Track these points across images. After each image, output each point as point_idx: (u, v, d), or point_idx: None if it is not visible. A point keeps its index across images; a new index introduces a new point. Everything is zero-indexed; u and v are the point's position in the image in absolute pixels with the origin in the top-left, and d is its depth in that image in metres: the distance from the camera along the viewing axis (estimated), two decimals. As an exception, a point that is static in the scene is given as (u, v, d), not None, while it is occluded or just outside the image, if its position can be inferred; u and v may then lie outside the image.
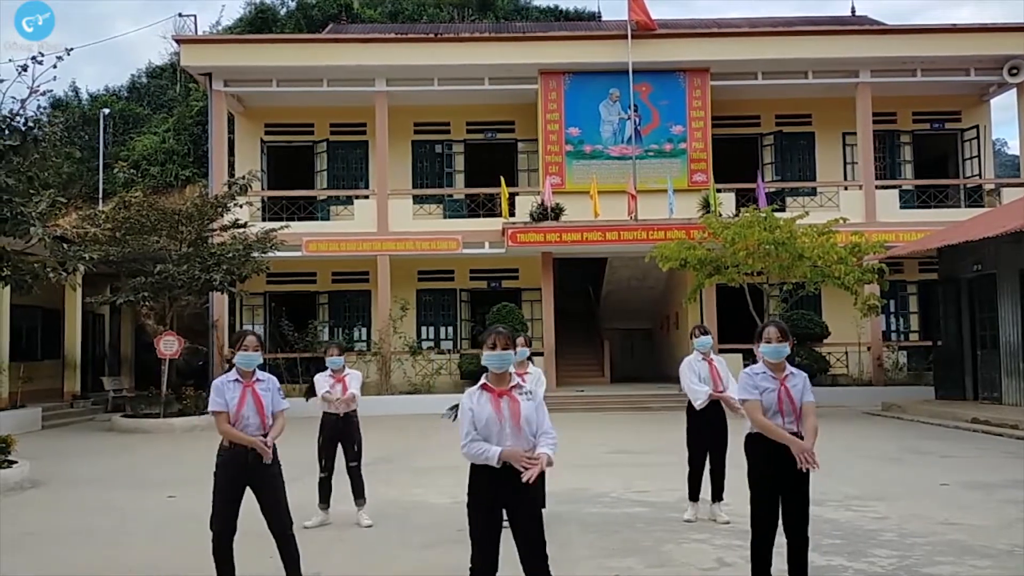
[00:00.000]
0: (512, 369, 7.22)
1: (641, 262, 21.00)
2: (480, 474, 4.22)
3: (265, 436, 5.26)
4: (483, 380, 4.35)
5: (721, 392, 7.44)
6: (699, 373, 7.55)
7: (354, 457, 7.77)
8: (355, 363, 22.10)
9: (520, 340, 7.55)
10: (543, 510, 7.40)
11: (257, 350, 5.37)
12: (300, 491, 7.76)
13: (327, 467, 7.71)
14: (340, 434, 7.74)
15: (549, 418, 4.42)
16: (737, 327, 20.66)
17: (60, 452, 13.96)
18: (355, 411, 7.83)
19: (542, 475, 4.27)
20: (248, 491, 5.28)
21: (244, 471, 5.21)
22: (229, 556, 5.21)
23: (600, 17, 37.55)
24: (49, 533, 7.81)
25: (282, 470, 5.42)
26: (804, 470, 4.84)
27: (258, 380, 5.35)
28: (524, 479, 4.05)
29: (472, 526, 4.25)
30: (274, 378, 5.52)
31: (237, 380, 5.31)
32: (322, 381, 7.77)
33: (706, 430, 7.61)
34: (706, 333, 7.67)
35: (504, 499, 4.20)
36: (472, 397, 4.30)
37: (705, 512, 7.69)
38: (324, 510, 7.70)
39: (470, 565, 4.25)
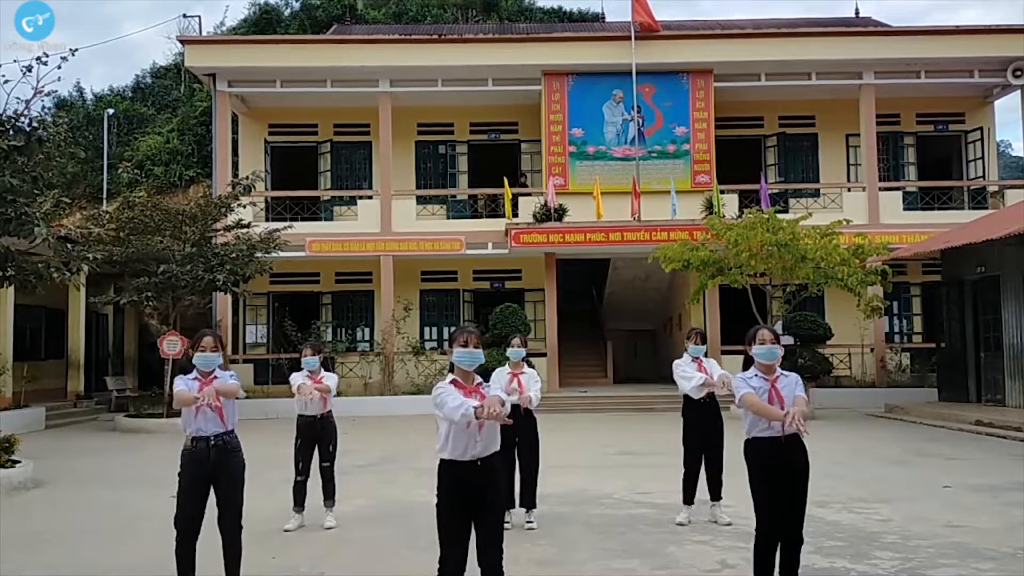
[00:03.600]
0: (508, 368, 7.32)
1: (644, 263, 21.01)
2: (448, 472, 4.32)
3: (221, 435, 5.32)
4: (452, 376, 4.41)
5: (712, 383, 7.45)
6: (692, 374, 7.60)
7: (328, 457, 7.76)
8: (358, 363, 22.22)
9: (516, 340, 7.55)
10: (534, 510, 7.51)
11: (216, 350, 5.42)
12: (288, 493, 7.80)
13: (303, 470, 7.69)
14: (317, 436, 7.71)
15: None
16: (740, 328, 20.62)
17: (63, 452, 14.00)
18: (331, 412, 7.80)
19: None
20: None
21: (206, 467, 5.28)
22: (191, 556, 5.26)
23: (604, 18, 37.53)
24: (53, 532, 7.82)
25: (245, 470, 5.45)
26: (798, 438, 4.93)
27: (215, 378, 5.39)
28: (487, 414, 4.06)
29: (441, 525, 4.32)
30: (234, 373, 5.60)
31: (197, 379, 5.38)
32: (297, 380, 7.71)
33: (702, 430, 7.63)
34: (703, 341, 7.74)
35: (471, 495, 4.27)
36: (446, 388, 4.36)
37: (704, 514, 7.68)
38: (299, 512, 7.67)
39: (438, 565, 4.30)
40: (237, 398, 5.46)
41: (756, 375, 5.13)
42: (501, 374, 7.30)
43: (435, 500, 4.39)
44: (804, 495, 5.06)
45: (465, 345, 4.38)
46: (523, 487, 7.56)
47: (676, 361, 7.79)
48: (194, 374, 5.41)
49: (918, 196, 24.20)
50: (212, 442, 5.29)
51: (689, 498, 7.67)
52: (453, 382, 4.39)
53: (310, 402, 7.57)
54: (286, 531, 7.48)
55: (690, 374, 7.54)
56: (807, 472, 5.08)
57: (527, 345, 7.66)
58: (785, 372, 5.18)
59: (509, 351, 7.48)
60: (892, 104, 23.65)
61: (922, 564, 6.17)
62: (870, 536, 7.05)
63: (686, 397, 7.70)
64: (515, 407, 7.08)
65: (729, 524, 7.35)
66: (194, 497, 5.28)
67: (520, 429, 7.25)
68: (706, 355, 7.85)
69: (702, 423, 7.61)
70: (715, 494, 7.62)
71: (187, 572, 5.26)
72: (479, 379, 4.47)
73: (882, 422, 17.01)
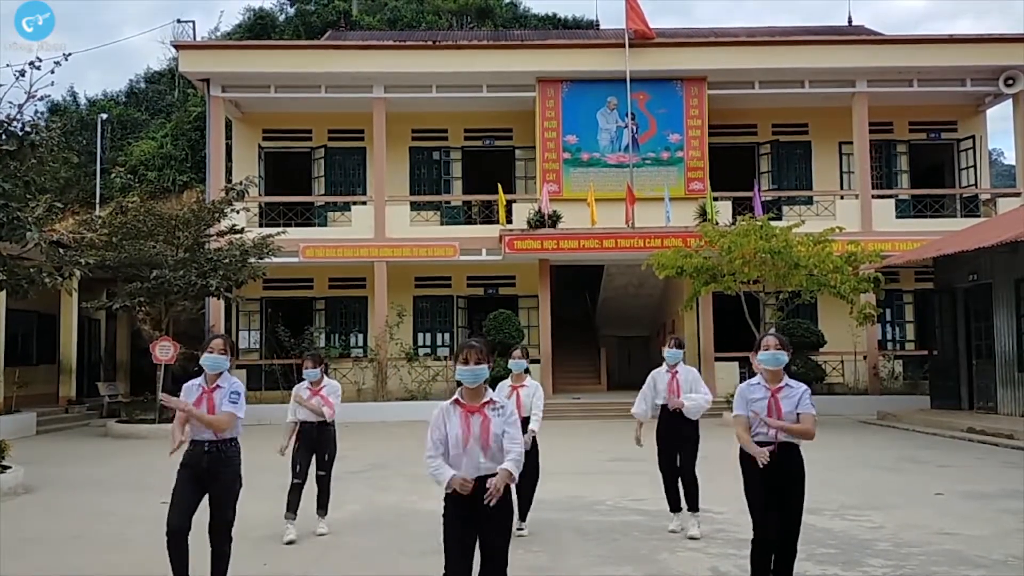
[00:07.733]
0: (510, 381, 7.27)
1: (638, 270, 21.03)
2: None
3: (216, 443, 5.25)
4: (456, 395, 4.35)
5: (678, 401, 7.41)
6: (657, 385, 7.58)
7: (324, 466, 7.73)
8: (351, 369, 22.16)
9: (517, 352, 7.47)
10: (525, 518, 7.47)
11: (224, 353, 5.33)
12: (282, 498, 7.75)
13: (300, 474, 7.64)
14: (315, 443, 7.69)
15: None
16: (733, 335, 20.68)
17: (55, 457, 13.93)
18: (332, 422, 7.78)
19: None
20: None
21: (198, 471, 5.24)
22: (182, 555, 5.21)
23: (598, 25, 37.59)
24: (44, 538, 7.77)
25: (240, 478, 5.39)
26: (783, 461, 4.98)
27: (218, 387, 5.31)
28: (486, 501, 4.07)
29: (446, 536, 4.27)
30: (238, 383, 5.41)
31: (201, 386, 5.33)
32: (300, 393, 7.73)
33: (671, 437, 7.56)
34: (679, 347, 7.67)
35: (476, 509, 4.19)
36: (444, 413, 4.30)
37: (701, 522, 7.64)
38: (292, 521, 7.45)
39: (443, 573, 4.27)
40: (221, 428, 5.23)
41: (759, 383, 5.17)
42: (503, 388, 7.25)
43: (429, 507, 4.36)
44: (800, 506, 5.06)
45: (466, 363, 4.26)
46: (520, 498, 7.51)
47: (652, 373, 7.72)
48: (200, 380, 5.35)
49: (910, 204, 24.31)
50: (207, 448, 5.25)
51: (674, 505, 7.62)
52: (455, 401, 4.31)
53: (307, 411, 7.64)
54: (288, 543, 7.20)
55: (640, 406, 7.69)
56: (803, 481, 5.08)
57: (527, 355, 7.58)
58: (792, 383, 5.17)
59: (511, 363, 7.41)
60: (885, 112, 23.77)
61: (914, 571, 6.18)
62: (862, 543, 7.06)
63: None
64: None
65: (696, 538, 7.18)
66: (184, 495, 5.25)
67: None
68: (689, 360, 7.81)
69: (673, 430, 7.53)
70: (689, 503, 7.46)
71: (180, 571, 5.22)
72: (489, 394, 4.34)
73: (875, 429, 17.04)
